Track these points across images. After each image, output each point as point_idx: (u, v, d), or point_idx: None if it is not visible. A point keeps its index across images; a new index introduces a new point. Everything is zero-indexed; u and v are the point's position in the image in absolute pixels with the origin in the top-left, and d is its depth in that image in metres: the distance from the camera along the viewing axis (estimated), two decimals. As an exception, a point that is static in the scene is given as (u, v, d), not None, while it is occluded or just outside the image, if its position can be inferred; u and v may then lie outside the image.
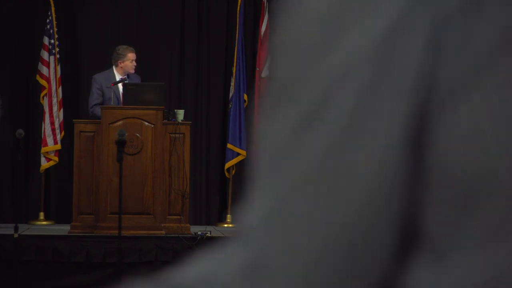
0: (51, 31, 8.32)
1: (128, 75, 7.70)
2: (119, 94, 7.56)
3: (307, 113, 0.58)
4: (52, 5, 8.34)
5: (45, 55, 8.29)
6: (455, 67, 0.58)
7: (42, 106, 8.22)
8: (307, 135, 0.58)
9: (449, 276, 0.57)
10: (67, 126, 8.06)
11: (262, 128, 0.61)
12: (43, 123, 8.18)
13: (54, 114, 8.17)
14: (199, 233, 7.11)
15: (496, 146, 0.57)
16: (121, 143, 5.93)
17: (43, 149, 8.18)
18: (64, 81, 8.42)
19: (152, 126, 7.13)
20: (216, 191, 9.06)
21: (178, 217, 7.23)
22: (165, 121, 7.27)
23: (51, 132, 8.14)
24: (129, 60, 7.71)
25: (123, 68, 7.70)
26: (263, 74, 8.10)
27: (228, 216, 8.37)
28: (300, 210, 0.58)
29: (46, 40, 8.31)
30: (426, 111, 0.58)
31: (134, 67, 7.73)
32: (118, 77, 7.69)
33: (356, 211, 0.57)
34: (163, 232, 7.07)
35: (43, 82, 8.23)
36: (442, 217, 0.58)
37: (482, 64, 0.57)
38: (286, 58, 0.61)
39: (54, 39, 8.30)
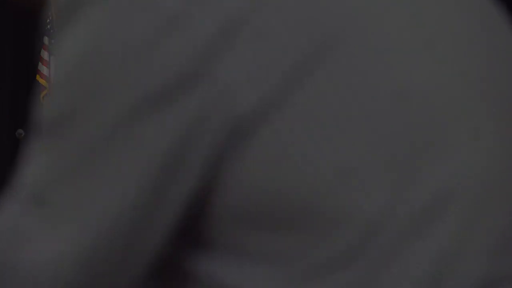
0: (51, 31, 8.29)
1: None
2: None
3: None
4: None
5: (45, 55, 8.25)
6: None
7: (42, 106, 8.17)
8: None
9: None
10: (68, 125, 8.03)
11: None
12: (43, 123, 8.14)
13: (55, 114, 8.14)
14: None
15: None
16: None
17: (44, 150, 8.14)
18: (64, 81, 8.41)
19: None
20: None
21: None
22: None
23: (51, 133, 8.12)
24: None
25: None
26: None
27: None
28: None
29: (46, 40, 8.28)
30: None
31: None
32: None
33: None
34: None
35: (43, 82, 8.19)
36: None
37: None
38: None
39: (54, 39, 8.27)
